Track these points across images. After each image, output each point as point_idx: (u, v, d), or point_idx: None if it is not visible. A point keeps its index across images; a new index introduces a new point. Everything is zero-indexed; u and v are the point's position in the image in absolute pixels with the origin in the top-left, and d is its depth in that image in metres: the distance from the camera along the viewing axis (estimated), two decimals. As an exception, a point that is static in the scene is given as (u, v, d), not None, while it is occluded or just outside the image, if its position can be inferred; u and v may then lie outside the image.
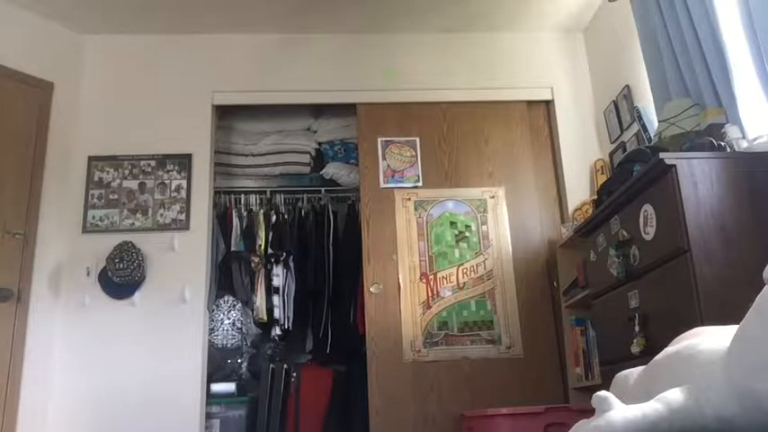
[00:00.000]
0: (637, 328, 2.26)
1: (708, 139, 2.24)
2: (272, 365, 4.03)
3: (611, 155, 3.73)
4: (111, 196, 3.73)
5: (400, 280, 3.66)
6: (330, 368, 4.09)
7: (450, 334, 3.60)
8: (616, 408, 1.05)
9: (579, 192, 3.85)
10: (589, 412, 1.09)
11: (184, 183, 3.77)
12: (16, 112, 3.53)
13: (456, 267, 3.71)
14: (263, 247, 4.11)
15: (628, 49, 3.52)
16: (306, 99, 4.10)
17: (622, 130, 3.62)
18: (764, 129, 2.35)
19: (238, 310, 4.15)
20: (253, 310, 4.06)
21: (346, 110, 4.18)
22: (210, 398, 3.68)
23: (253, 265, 4.13)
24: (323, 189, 4.45)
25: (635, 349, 2.25)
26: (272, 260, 4.11)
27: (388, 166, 3.88)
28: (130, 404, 3.40)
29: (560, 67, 4.14)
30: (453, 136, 3.96)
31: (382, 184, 3.84)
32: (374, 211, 3.79)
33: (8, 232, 3.34)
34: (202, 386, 3.51)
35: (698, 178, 2.06)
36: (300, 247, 4.19)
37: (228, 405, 3.84)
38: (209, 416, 3.65)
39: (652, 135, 3.07)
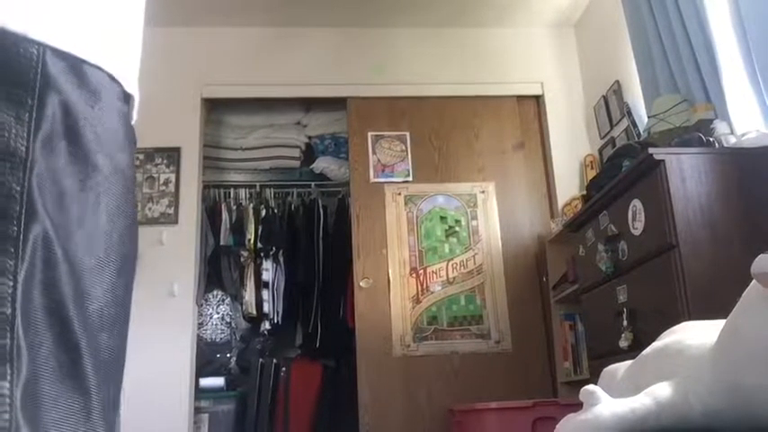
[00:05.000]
0: (625, 323, 2.27)
1: (696, 134, 2.25)
2: (261, 360, 4.02)
3: (601, 150, 3.74)
4: (98, 190, 3.70)
5: (390, 275, 3.66)
6: (320, 362, 4.09)
7: (440, 328, 3.60)
8: (604, 402, 1.05)
9: (569, 187, 3.86)
10: (578, 406, 1.09)
11: (173, 176, 3.74)
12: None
13: (446, 262, 3.71)
14: (252, 241, 4.10)
15: (618, 44, 3.52)
16: (296, 93, 4.08)
17: (612, 126, 3.63)
18: (753, 124, 2.36)
19: (227, 305, 4.14)
20: (242, 305, 4.05)
21: (337, 104, 4.16)
22: (199, 393, 3.66)
23: (242, 259, 4.11)
24: (313, 183, 4.44)
25: (623, 344, 2.26)
26: (262, 254, 4.10)
27: (379, 160, 3.87)
28: (118, 399, 3.38)
29: (551, 62, 4.14)
30: (444, 131, 3.96)
31: (372, 179, 3.83)
32: (364, 205, 3.78)
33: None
34: (191, 381, 3.50)
35: (686, 174, 2.07)
36: (290, 241, 4.18)
37: (217, 400, 3.84)
38: (197, 410, 3.64)
39: (641, 130, 3.08)
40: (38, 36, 0.56)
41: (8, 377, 0.48)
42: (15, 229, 0.51)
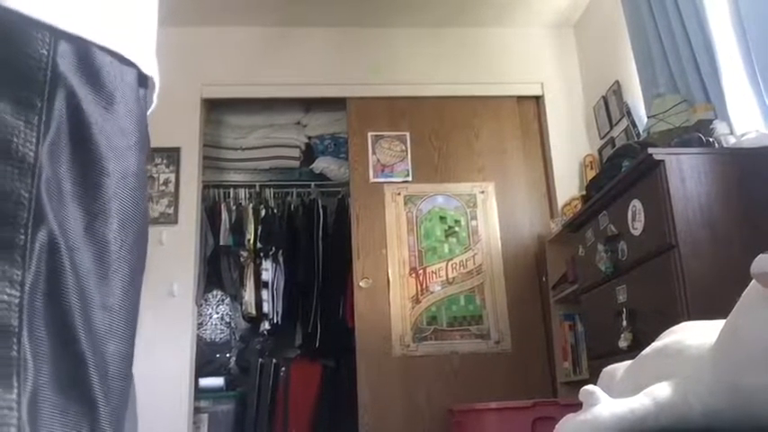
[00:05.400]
0: (624, 323, 2.27)
1: (696, 134, 2.25)
2: (260, 360, 4.02)
3: (601, 150, 3.74)
4: (98, 190, 3.70)
5: (389, 275, 3.66)
6: (319, 362, 4.09)
7: (440, 329, 3.60)
8: (603, 402, 1.05)
9: (568, 187, 3.86)
10: (577, 406, 1.09)
11: (173, 176, 3.74)
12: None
13: (445, 262, 3.71)
14: (252, 241, 4.10)
15: (618, 44, 3.52)
16: (296, 93, 4.08)
17: (612, 126, 3.63)
18: (752, 125, 2.36)
19: (227, 305, 4.14)
20: (241, 305, 4.05)
21: (336, 104, 4.16)
22: (199, 392, 3.66)
23: (242, 259, 4.11)
24: (312, 183, 4.44)
25: (623, 344, 2.26)
26: (262, 254, 4.10)
27: (378, 160, 3.87)
28: (118, 399, 3.38)
29: (550, 62, 4.14)
30: (443, 131, 3.95)
31: (372, 179, 3.82)
32: (364, 205, 3.78)
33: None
34: (191, 381, 3.50)
35: (686, 174, 2.07)
36: (290, 241, 4.18)
37: (217, 400, 3.84)
38: (197, 410, 3.64)
39: (641, 131, 3.08)
40: (45, 17, 0.53)
41: (15, 389, 0.47)
42: (23, 237, 0.50)
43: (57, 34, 0.54)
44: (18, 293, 0.49)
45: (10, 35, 0.52)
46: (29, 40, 0.53)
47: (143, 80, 0.65)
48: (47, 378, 0.50)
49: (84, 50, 0.57)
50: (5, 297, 0.49)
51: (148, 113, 0.69)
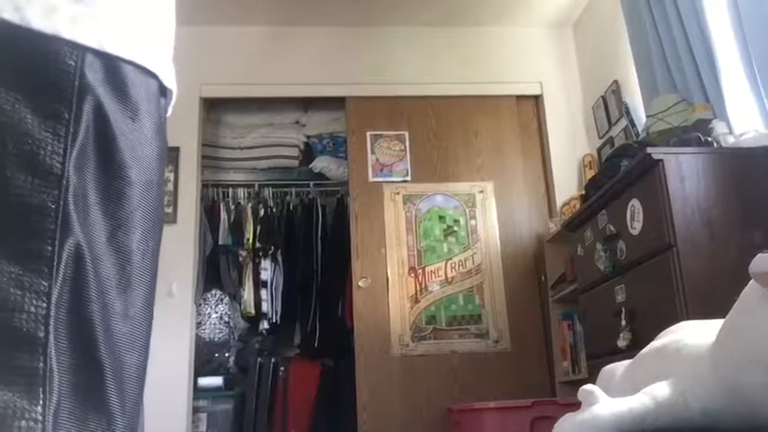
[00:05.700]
0: (623, 323, 2.27)
1: (695, 134, 2.25)
2: (259, 359, 4.02)
3: (600, 150, 3.74)
4: (97, 189, 3.69)
5: (389, 274, 3.66)
6: (318, 362, 4.08)
7: (439, 328, 3.60)
8: (602, 401, 1.05)
9: (567, 186, 3.86)
10: (576, 406, 1.09)
11: (171, 176, 3.74)
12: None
13: (444, 262, 3.71)
14: (251, 240, 4.10)
15: (617, 44, 3.53)
16: (294, 92, 4.08)
17: (610, 126, 3.63)
18: (751, 124, 2.36)
19: (226, 304, 4.13)
20: (240, 304, 4.05)
21: (335, 103, 4.16)
22: (198, 392, 3.66)
23: (241, 258, 4.11)
24: (311, 183, 4.44)
25: (621, 343, 2.26)
26: (261, 254, 4.10)
27: (377, 160, 3.87)
28: (117, 398, 3.37)
29: (549, 61, 4.14)
30: (442, 130, 3.95)
31: (371, 179, 3.82)
32: (363, 205, 3.78)
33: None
34: (190, 380, 3.50)
35: (685, 173, 2.07)
36: (289, 240, 4.18)
37: (216, 399, 3.83)
38: (196, 410, 3.64)
39: (640, 130, 3.08)
40: (72, 36, 0.54)
41: (41, 401, 0.48)
42: (50, 248, 0.50)
43: (84, 49, 0.55)
44: (45, 305, 0.49)
45: (38, 49, 0.53)
46: (57, 54, 0.54)
47: (163, 91, 0.67)
48: (68, 388, 0.50)
49: (110, 63, 0.57)
50: (33, 309, 0.49)
51: None
